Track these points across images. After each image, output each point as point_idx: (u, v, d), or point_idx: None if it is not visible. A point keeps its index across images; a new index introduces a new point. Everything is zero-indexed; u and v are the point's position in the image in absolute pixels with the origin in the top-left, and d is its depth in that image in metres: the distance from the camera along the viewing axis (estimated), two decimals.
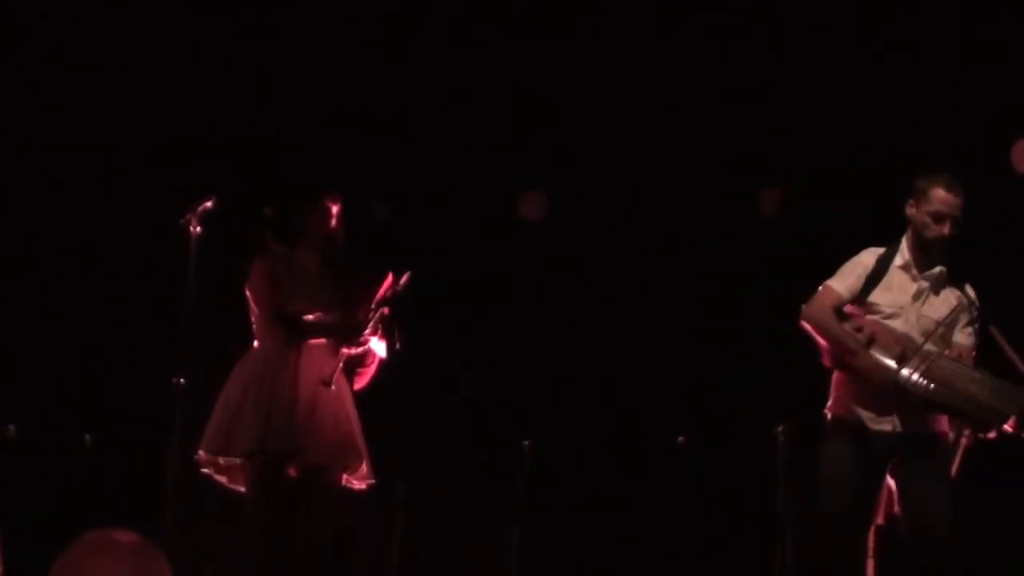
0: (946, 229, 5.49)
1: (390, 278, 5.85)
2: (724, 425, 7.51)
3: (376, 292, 5.83)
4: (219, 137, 7.90)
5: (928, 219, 5.51)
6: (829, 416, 5.63)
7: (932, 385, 5.32)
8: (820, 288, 5.62)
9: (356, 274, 5.95)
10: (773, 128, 7.72)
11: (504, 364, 8.07)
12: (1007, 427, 5.31)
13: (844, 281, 5.59)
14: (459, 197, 8.19)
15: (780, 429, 6.58)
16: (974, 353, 5.56)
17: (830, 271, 5.69)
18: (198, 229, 5.97)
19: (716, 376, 7.55)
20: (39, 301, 7.88)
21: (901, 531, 5.56)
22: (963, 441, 6.14)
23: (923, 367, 5.33)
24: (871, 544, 5.85)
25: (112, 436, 7.66)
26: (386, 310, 5.81)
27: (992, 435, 5.48)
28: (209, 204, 5.98)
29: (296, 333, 5.74)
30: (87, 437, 7.70)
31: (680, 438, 7.64)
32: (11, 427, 7.47)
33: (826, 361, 5.59)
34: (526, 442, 7.75)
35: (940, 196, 5.49)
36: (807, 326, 5.58)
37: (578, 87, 7.96)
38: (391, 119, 8.08)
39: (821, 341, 5.55)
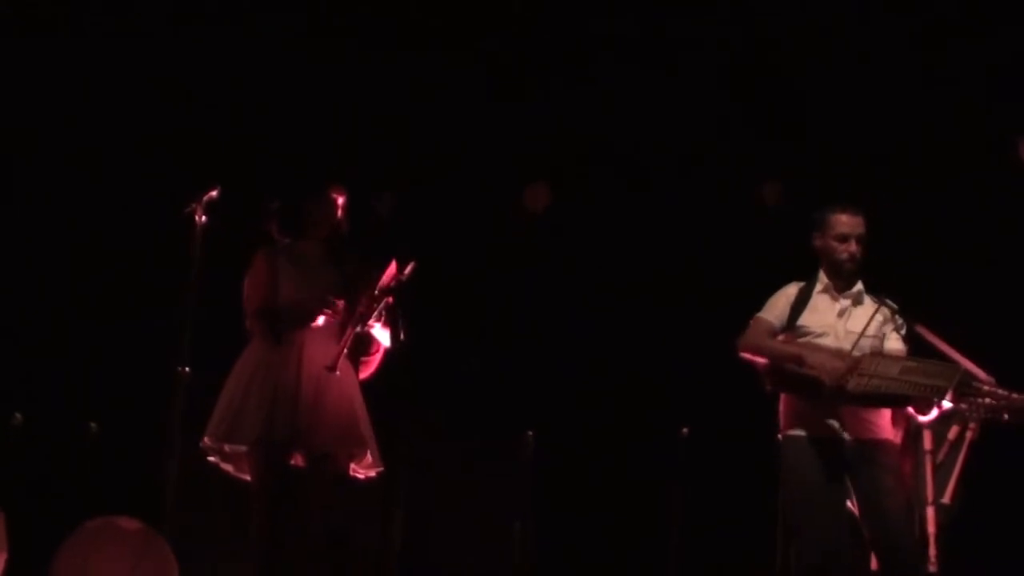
0: (853, 247, 5.80)
1: (393, 265, 5.78)
2: (727, 418, 7.48)
3: (378, 279, 5.76)
4: (226, 127, 7.89)
5: (834, 243, 5.80)
6: (781, 438, 5.77)
7: (870, 380, 5.49)
8: (751, 321, 5.85)
9: (360, 265, 5.90)
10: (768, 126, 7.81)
11: (507, 356, 8.08)
12: (948, 401, 5.53)
13: (772, 311, 5.87)
14: (465, 189, 8.19)
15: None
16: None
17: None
18: (203, 218, 6.05)
19: (718, 368, 7.31)
20: (45, 290, 7.87)
21: (865, 533, 5.66)
22: (968, 435, 6.35)
23: (854, 369, 5.51)
24: None
25: (117, 424, 7.64)
26: (390, 299, 5.75)
27: (934, 413, 5.78)
28: (214, 194, 6.06)
29: (277, 327, 5.72)
30: (92, 425, 7.65)
31: (684, 429, 7.73)
32: (17, 415, 7.46)
33: (767, 385, 5.77)
34: (530, 433, 7.82)
35: (840, 219, 5.80)
36: (746, 354, 5.78)
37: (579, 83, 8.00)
38: (395, 110, 8.05)
39: (762, 362, 5.75)
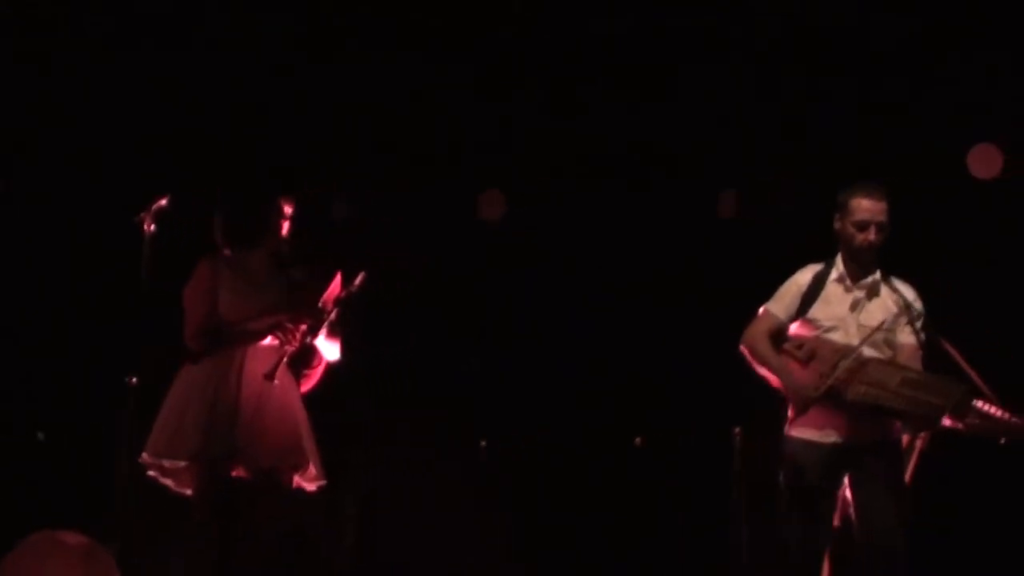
0: (872, 235, 5.68)
1: (338, 278, 5.73)
2: (681, 426, 7.53)
3: (325, 292, 5.72)
4: (174, 136, 7.89)
5: (853, 229, 5.72)
6: (788, 436, 5.72)
7: (865, 388, 5.45)
8: (759, 312, 5.80)
9: (306, 276, 5.83)
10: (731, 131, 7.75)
11: (461, 365, 8.07)
12: (945, 422, 5.47)
13: (781, 303, 5.80)
14: (418, 197, 8.18)
15: (737, 430, 6.73)
16: (920, 351, 5.69)
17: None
18: (152, 227, 5.93)
19: (673, 378, 7.60)
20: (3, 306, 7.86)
21: (855, 536, 5.62)
22: (918, 444, 6.16)
23: (858, 371, 5.49)
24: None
25: (64, 434, 7.67)
26: (335, 313, 5.70)
27: (929, 432, 5.74)
28: (163, 202, 5.92)
29: (219, 345, 5.65)
30: (39, 434, 7.70)
31: (637, 439, 7.75)
32: None
33: (776, 385, 5.72)
34: (483, 443, 7.84)
35: (861, 204, 5.68)
36: (745, 351, 5.75)
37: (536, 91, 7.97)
38: (348, 118, 8.04)
39: (756, 366, 5.73)
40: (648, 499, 7.74)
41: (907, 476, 6.12)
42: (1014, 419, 5.49)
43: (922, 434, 6.02)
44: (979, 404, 5.49)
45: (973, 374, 5.52)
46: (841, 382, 5.48)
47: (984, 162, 7.40)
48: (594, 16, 7.78)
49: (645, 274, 7.99)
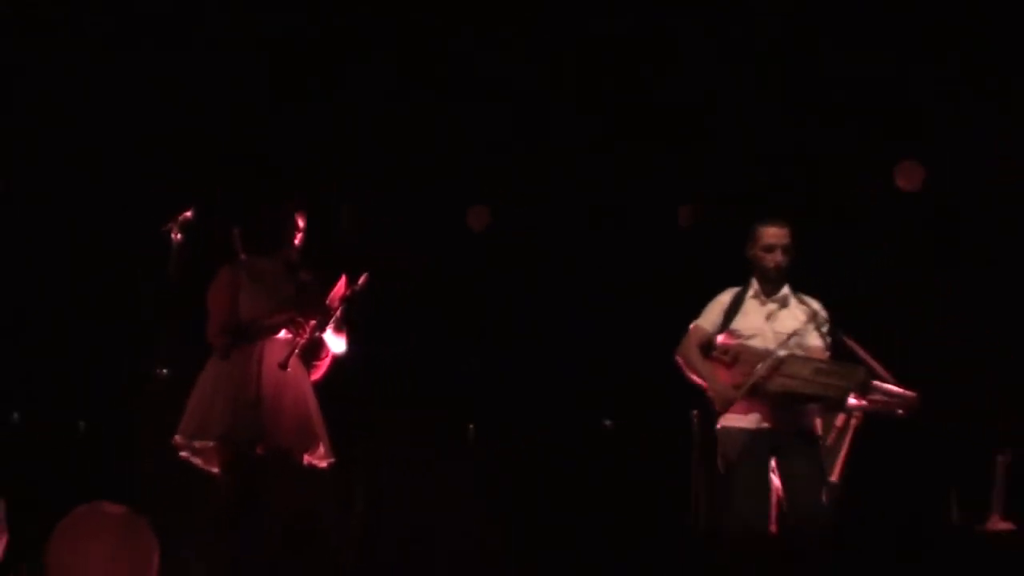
0: (778, 256, 6.46)
1: (343, 279, 6.14)
2: (646, 411, 7.99)
3: (331, 291, 6.12)
4: (174, 136, 8.00)
5: (762, 252, 6.47)
6: (719, 428, 6.47)
7: (783, 380, 6.21)
8: (690, 327, 6.55)
9: (315, 279, 6.25)
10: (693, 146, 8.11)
11: (452, 358, 8.38)
12: (853, 401, 6.28)
13: (707, 318, 6.58)
14: (414, 207, 8.42)
15: (695, 413, 7.23)
16: (827, 352, 6.46)
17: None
18: (179, 236, 6.31)
19: (639, 368, 7.92)
20: (42, 305, 8.10)
21: (785, 516, 6.33)
22: (853, 422, 6.97)
23: (776, 369, 6.24)
24: None
25: (104, 423, 7.97)
26: (340, 310, 6.11)
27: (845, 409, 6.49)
28: (188, 214, 6.36)
29: (240, 340, 6.07)
30: (81, 423, 8.04)
31: (607, 422, 8.32)
32: (15, 414, 7.87)
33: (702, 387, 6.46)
34: (471, 426, 8.25)
35: (767, 232, 6.53)
36: (680, 361, 6.51)
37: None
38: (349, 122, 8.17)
39: (688, 373, 6.48)
40: (618, 479, 8.14)
41: (844, 450, 6.93)
42: (908, 392, 6.38)
43: (853, 422, 6.89)
44: (880, 384, 6.34)
45: (872, 360, 6.35)
46: (763, 379, 6.25)
47: (908, 176, 8.00)
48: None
49: (615, 278, 8.38)
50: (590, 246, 8.49)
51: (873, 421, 6.82)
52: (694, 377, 6.48)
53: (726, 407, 6.30)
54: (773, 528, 6.32)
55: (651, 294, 8.20)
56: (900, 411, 6.55)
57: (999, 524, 7.50)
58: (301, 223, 6.33)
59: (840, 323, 6.45)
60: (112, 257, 8.05)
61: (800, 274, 6.51)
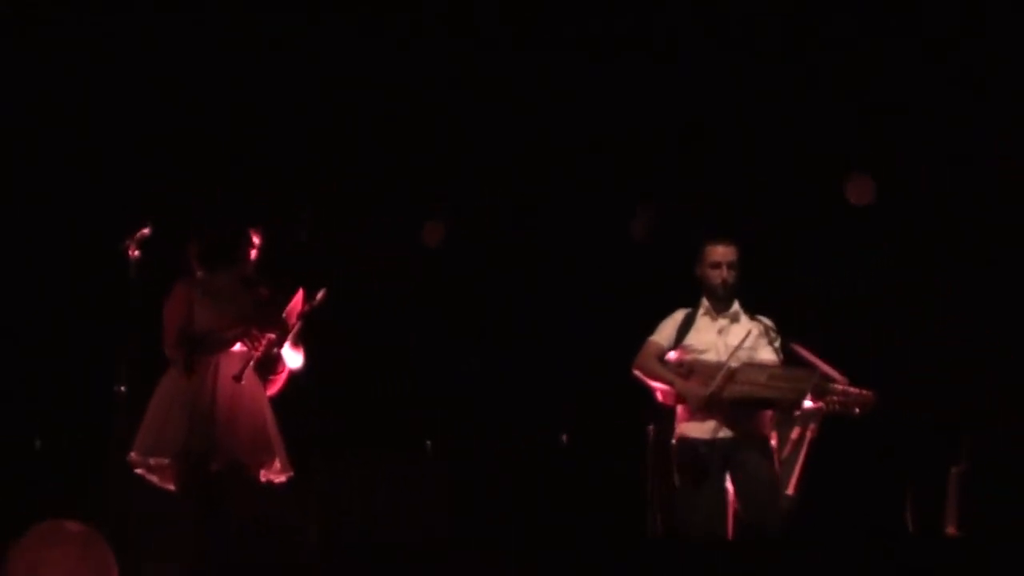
0: (724, 273, 6.61)
1: (300, 294, 6.16)
2: (602, 425, 8.10)
3: (286, 306, 6.14)
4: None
5: (709, 270, 6.60)
6: (675, 441, 6.60)
7: (740, 387, 6.37)
8: (645, 343, 6.68)
9: (270, 295, 6.26)
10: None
11: (412, 373, 8.45)
12: (807, 402, 6.43)
13: (662, 334, 6.73)
14: (370, 225, 8.46)
15: (650, 427, 7.19)
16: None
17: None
18: (136, 253, 6.34)
19: (595, 383, 8.08)
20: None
21: (740, 519, 6.47)
22: (808, 435, 6.95)
23: (731, 378, 6.40)
24: None
25: (60, 440, 7.95)
26: (297, 325, 6.13)
27: (798, 412, 6.58)
28: (146, 231, 6.37)
29: (196, 352, 6.07)
30: (37, 442, 8.01)
31: (563, 436, 8.43)
32: None
33: (663, 400, 6.62)
34: (428, 443, 8.30)
35: (715, 250, 6.70)
36: (638, 374, 6.62)
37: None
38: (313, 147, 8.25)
39: (650, 383, 6.59)
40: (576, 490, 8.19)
41: (799, 462, 6.95)
42: (864, 391, 6.51)
43: (811, 426, 6.89)
44: (835, 386, 6.48)
45: (823, 364, 6.50)
46: (720, 388, 6.39)
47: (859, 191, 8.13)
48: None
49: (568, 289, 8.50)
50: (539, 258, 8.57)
51: (829, 431, 6.85)
52: (657, 384, 6.60)
53: (700, 405, 6.45)
54: (729, 535, 6.43)
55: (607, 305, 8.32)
56: (857, 410, 6.64)
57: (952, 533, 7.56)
58: (256, 239, 6.34)
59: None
60: (62, 281, 8.07)
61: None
